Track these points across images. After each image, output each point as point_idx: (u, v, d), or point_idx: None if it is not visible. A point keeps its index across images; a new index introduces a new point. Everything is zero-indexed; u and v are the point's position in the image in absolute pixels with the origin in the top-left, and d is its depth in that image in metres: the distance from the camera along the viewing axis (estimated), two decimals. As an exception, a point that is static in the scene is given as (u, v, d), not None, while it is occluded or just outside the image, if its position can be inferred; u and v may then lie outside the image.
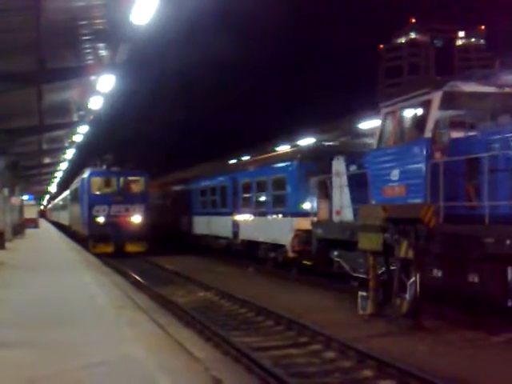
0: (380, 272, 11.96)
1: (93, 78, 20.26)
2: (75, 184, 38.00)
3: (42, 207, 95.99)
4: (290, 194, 19.49)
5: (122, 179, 29.83)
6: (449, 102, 11.09)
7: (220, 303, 14.86)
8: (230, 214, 24.65)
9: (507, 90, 11.19)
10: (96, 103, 23.01)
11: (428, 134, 11.09)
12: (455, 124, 11.70)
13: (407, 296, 10.63)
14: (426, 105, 11.27)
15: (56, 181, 67.43)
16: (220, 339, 10.08)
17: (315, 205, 16.45)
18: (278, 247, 19.98)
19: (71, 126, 30.61)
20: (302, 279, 18.15)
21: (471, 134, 11.45)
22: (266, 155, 25.90)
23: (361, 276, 13.43)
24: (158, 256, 27.52)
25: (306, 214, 17.43)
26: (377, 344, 9.51)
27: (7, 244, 29.00)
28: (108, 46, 17.96)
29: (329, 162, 15.35)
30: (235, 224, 24.14)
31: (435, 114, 11.07)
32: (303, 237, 17.77)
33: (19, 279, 15.99)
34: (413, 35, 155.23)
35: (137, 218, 29.25)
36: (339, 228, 14.24)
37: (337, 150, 17.48)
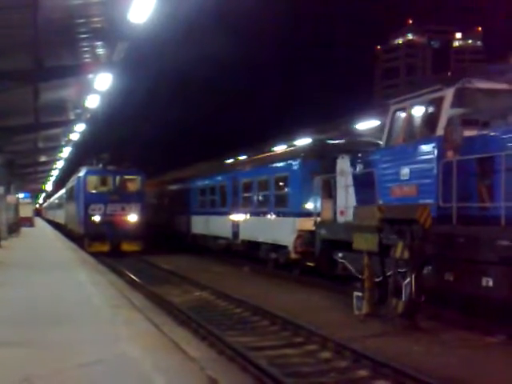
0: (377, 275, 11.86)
1: (90, 76, 20.20)
2: (71, 182, 37.88)
3: (37, 205, 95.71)
4: (293, 193, 19.07)
5: (118, 178, 29.72)
6: (461, 99, 10.80)
7: (216, 303, 14.83)
8: (230, 213, 24.32)
9: None
10: (93, 101, 22.96)
11: (440, 131, 10.82)
12: (468, 122, 11.14)
13: (403, 296, 10.64)
14: (438, 102, 11.00)
15: (52, 179, 67.26)
16: (215, 338, 10.08)
17: (318, 205, 16.04)
18: (279, 248, 19.58)
19: (68, 125, 30.47)
20: (302, 280, 17.93)
21: (485, 132, 10.91)
22: (268, 154, 25.55)
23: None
24: (154, 255, 27.47)
25: (308, 214, 17.10)
26: (372, 344, 9.52)
27: (3, 242, 28.90)
28: (105, 44, 17.90)
29: (333, 160, 15.04)
30: (235, 224, 23.78)
31: (447, 111, 10.79)
32: (306, 237, 17.41)
33: (14, 278, 15.93)
34: (410, 36, 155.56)
35: (133, 217, 29.15)
36: (344, 229, 13.79)
37: (341, 148, 17.05)
